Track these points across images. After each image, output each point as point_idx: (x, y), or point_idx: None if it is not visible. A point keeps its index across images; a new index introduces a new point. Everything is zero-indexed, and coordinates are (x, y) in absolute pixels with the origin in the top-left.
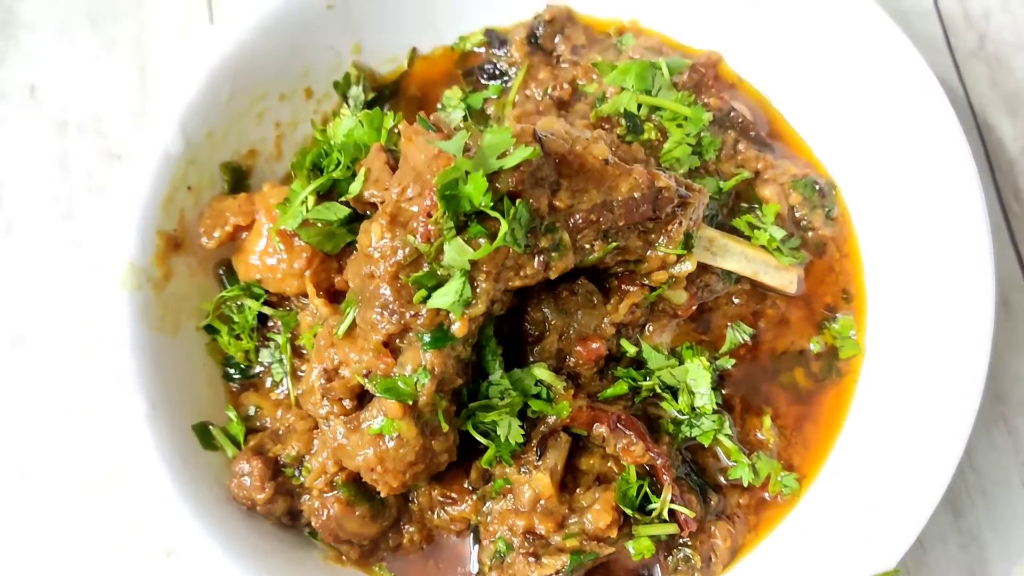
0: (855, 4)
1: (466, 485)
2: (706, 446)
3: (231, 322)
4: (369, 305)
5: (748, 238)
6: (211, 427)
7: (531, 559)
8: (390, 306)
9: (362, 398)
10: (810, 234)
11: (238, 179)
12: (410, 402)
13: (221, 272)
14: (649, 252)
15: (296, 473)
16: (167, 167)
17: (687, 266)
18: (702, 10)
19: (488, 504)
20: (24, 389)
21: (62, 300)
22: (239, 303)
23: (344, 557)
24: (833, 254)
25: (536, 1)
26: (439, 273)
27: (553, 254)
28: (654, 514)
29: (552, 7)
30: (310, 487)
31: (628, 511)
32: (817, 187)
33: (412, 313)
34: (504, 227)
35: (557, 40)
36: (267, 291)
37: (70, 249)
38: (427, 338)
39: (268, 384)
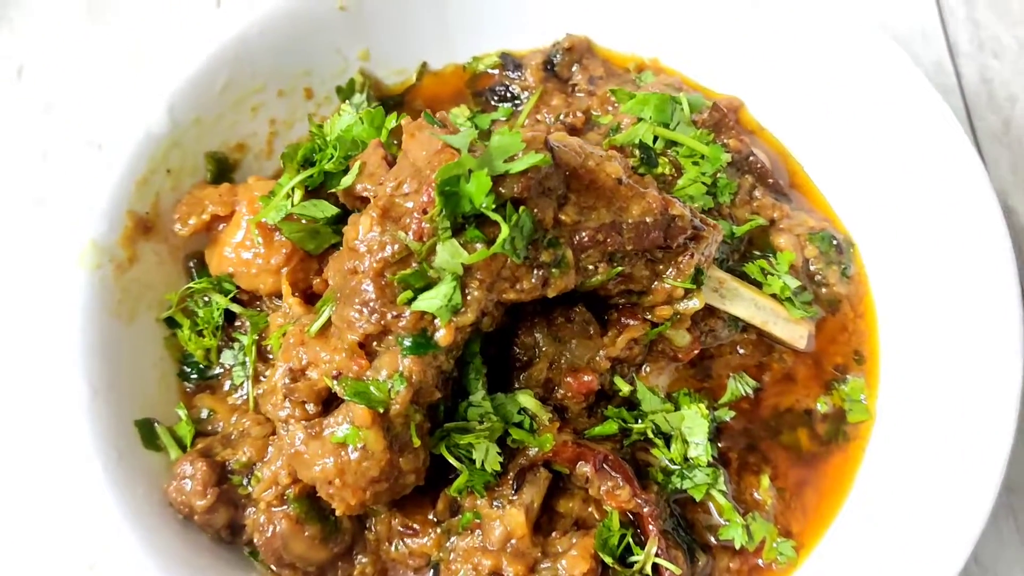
0: (889, 57)
1: (431, 516)
2: (697, 500)
3: (195, 317)
4: (348, 302)
5: (760, 285)
6: (157, 425)
7: None
8: (371, 304)
9: (328, 405)
10: (824, 290)
11: (222, 171)
12: (381, 410)
13: (192, 265)
14: (655, 284)
15: (244, 482)
16: (147, 146)
17: (694, 303)
18: (726, 54)
19: (453, 539)
20: None
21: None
22: (206, 298)
23: None
24: (847, 313)
25: (555, 30)
26: (429, 275)
27: (554, 270)
28: (636, 567)
29: (572, 36)
30: (257, 499)
31: (608, 560)
32: (835, 242)
33: (394, 314)
34: (504, 231)
35: (574, 69)
36: (238, 288)
37: (40, 235)
38: (407, 342)
39: (227, 388)
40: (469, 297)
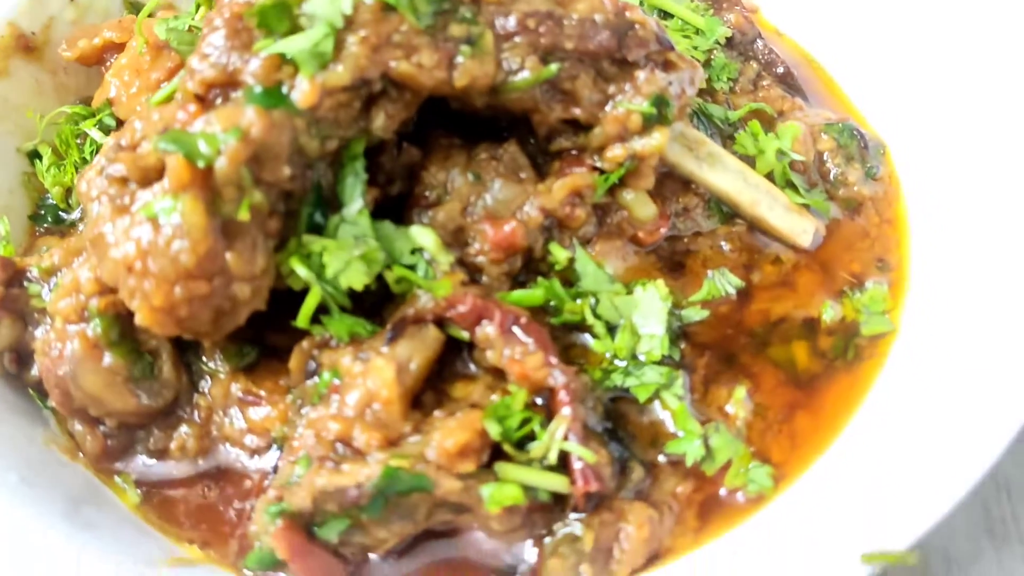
0: None
1: (282, 382)
2: (641, 402)
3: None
4: (196, 51)
5: (753, 164)
6: None
7: (328, 464)
8: (218, 47)
9: None
10: (842, 190)
11: None
12: (202, 164)
13: None
14: (606, 110)
15: (43, 293)
16: None
17: (655, 139)
18: None
19: (305, 411)
20: None
21: None
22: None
23: (80, 449)
24: (871, 218)
25: None
26: (299, 22)
27: (464, 48)
28: (534, 453)
29: None
30: (52, 312)
31: (495, 433)
32: (857, 135)
33: (245, 59)
34: None
35: None
36: (119, 121)
37: None
38: (257, 89)
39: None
40: (345, 52)
